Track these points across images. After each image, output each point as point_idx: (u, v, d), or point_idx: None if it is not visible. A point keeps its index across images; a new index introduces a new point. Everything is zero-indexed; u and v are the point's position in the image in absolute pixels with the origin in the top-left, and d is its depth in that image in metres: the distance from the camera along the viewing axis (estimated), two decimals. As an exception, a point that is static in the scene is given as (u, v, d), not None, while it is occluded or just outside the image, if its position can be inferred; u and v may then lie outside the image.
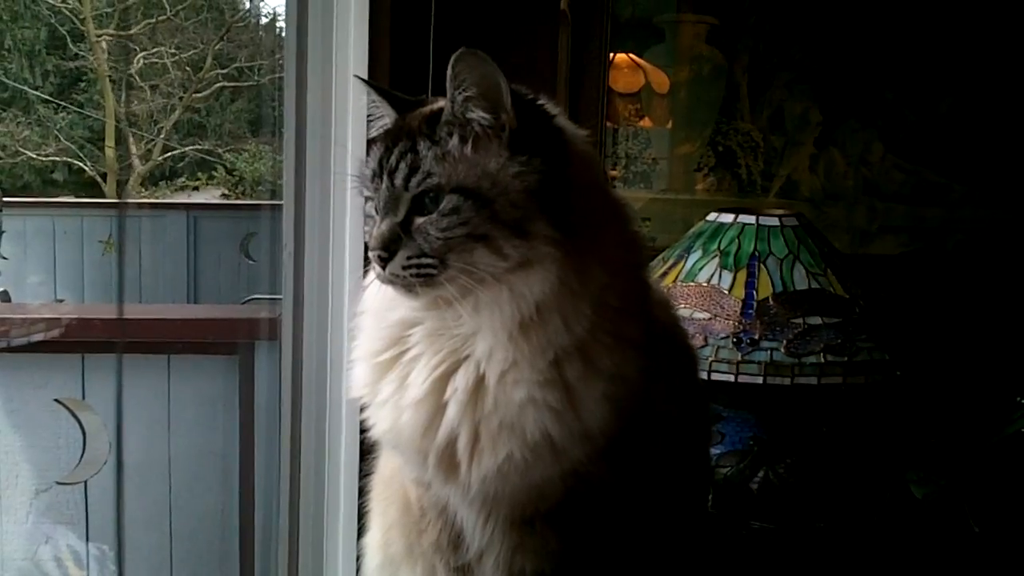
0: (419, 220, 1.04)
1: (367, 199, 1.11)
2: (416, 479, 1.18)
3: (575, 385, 1.05)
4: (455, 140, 1.05)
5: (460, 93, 1.04)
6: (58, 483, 2.23)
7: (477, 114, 1.04)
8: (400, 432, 1.10)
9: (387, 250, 1.04)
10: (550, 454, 1.05)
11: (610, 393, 1.06)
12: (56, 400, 2.22)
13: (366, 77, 1.67)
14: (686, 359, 1.33)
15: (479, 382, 1.06)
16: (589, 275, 1.05)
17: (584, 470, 1.08)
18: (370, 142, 1.14)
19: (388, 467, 1.29)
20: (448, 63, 1.03)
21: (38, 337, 2.18)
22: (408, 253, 1.03)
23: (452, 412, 1.07)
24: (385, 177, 1.06)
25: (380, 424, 1.13)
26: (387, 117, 1.14)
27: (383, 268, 1.05)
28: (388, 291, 1.08)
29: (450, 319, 1.07)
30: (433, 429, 1.08)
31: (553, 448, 1.05)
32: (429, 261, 1.03)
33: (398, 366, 1.11)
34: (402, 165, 1.05)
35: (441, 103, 1.09)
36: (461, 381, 1.06)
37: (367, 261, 1.10)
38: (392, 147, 1.07)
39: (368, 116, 1.19)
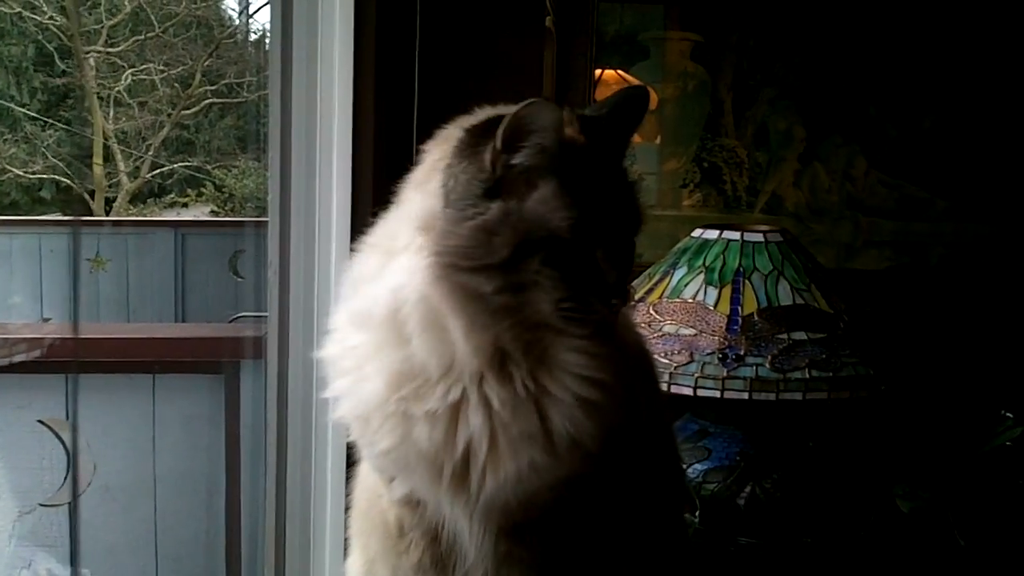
0: None
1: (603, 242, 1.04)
2: (406, 499, 1.15)
3: (614, 383, 1.06)
4: None
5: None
6: (41, 505, 2.22)
7: None
8: (412, 447, 1.05)
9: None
10: (568, 454, 1.04)
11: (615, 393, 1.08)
12: (40, 421, 2.21)
13: (350, 95, 1.67)
14: (651, 372, 1.34)
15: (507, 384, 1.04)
16: None
17: (576, 471, 1.07)
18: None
19: (364, 498, 1.25)
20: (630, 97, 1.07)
21: (20, 357, 2.17)
22: None
23: (476, 420, 1.04)
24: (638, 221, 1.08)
25: (382, 442, 1.07)
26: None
27: (616, 310, 1.05)
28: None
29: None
30: (451, 440, 1.04)
31: (575, 446, 1.04)
32: None
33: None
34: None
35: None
36: (493, 386, 1.04)
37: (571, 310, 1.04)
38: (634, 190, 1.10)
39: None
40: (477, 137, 1.03)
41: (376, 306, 1.05)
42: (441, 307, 1.01)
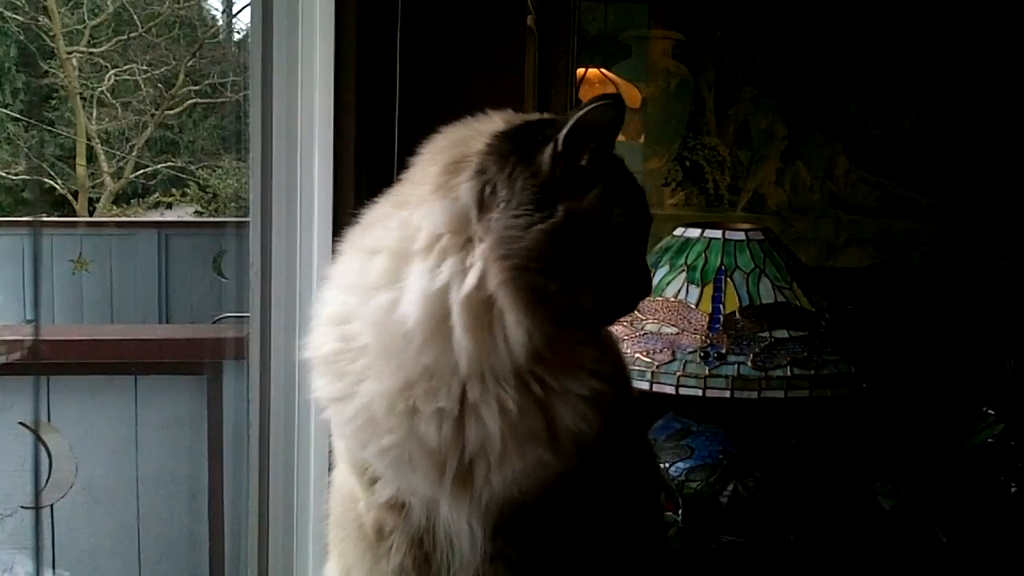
0: None
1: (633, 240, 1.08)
2: (390, 501, 1.14)
3: (614, 375, 1.08)
4: None
5: None
6: (22, 507, 2.20)
7: None
8: (416, 444, 1.04)
9: None
10: (571, 450, 1.04)
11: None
12: (21, 423, 2.20)
13: (331, 93, 1.66)
14: (624, 362, 1.35)
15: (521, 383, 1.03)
16: None
17: (574, 466, 1.06)
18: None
19: (340, 506, 1.24)
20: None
21: (0, 359, 2.14)
22: None
23: (491, 419, 1.02)
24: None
25: (384, 439, 1.05)
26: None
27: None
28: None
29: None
30: (459, 438, 1.03)
31: (578, 442, 1.04)
32: None
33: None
34: None
35: None
36: (510, 385, 1.03)
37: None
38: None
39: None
40: (520, 143, 1.02)
41: (411, 310, 1.01)
42: (506, 308, 1.00)
